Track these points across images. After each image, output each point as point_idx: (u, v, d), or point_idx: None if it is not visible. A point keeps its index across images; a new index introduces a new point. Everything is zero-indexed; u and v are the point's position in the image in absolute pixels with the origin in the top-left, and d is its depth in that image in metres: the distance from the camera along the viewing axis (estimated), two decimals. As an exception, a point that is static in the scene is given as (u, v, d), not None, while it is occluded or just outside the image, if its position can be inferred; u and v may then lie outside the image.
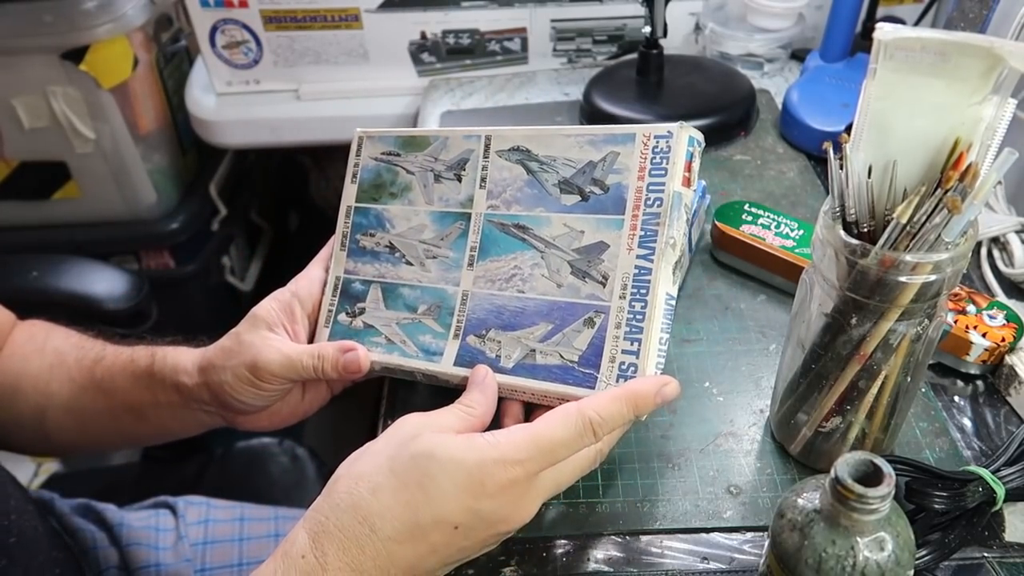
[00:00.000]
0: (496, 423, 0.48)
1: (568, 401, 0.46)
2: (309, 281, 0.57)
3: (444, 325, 0.53)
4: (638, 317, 0.47)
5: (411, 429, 0.43)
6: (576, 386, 0.48)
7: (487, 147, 0.55)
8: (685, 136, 0.48)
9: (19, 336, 0.62)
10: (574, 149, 0.52)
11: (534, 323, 0.50)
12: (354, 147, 0.60)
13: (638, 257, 0.48)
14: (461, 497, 0.40)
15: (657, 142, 0.49)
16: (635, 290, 0.47)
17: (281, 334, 0.53)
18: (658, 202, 0.48)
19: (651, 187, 0.48)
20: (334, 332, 0.56)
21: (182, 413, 0.57)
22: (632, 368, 0.46)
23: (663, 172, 0.48)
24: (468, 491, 0.40)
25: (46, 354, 0.60)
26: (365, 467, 0.42)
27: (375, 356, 0.54)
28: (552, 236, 0.51)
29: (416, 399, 0.59)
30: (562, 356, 0.49)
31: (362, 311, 0.56)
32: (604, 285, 0.49)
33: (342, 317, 0.56)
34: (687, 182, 0.48)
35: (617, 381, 0.47)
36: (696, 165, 0.49)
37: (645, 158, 0.49)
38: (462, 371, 0.51)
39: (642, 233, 0.48)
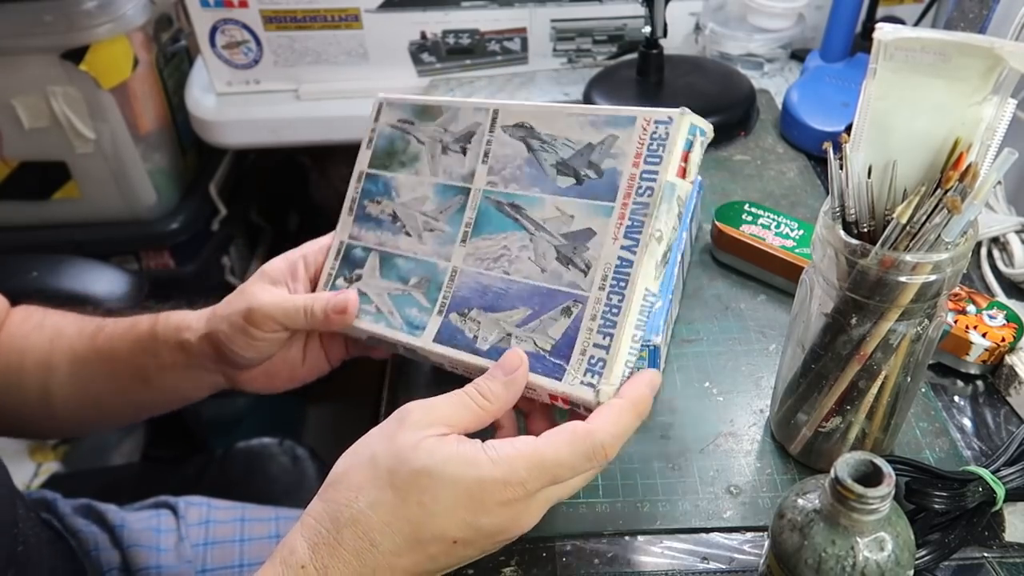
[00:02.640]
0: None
1: (534, 389, 0.46)
2: (320, 246, 0.59)
3: (431, 300, 0.53)
4: (614, 311, 0.45)
5: (411, 435, 0.41)
6: (544, 376, 0.46)
7: (494, 121, 0.54)
8: (686, 124, 0.46)
9: (15, 318, 0.62)
10: (575, 129, 0.50)
11: (514, 306, 0.49)
12: (373, 112, 0.60)
13: (622, 248, 0.46)
14: (460, 514, 0.40)
15: (656, 128, 0.46)
16: (615, 282, 0.46)
17: (282, 289, 0.55)
18: (648, 191, 0.46)
19: (644, 175, 0.46)
20: None
21: (186, 373, 0.58)
22: (600, 363, 0.45)
23: (658, 160, 0.46)
24: (467, 509, 0.40)
25: (45, 329, 0.61)
26: (364, 479, 0.41)
27: (364, 325, 0.54)
28: (543, 219, 0.50)
29: (418, 398, 0.58)
30: (536, 343, 0.47)
31: (359, 278, 0.56)
32: (586, 274, 0.47)
33: (340, 282, 0.57)
34: (683, 173, 0.46)
35: (584, 375, 0.45)
36: (696, 156, 0.46)
37: (642, 144, 0.47)
38: (439, 348, 0.51)
39: (629, 223, 0.46)
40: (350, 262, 0.57)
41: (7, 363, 0.60)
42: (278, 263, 0.56)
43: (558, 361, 0.46)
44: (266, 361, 0.56)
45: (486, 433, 0.43)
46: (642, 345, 0.46)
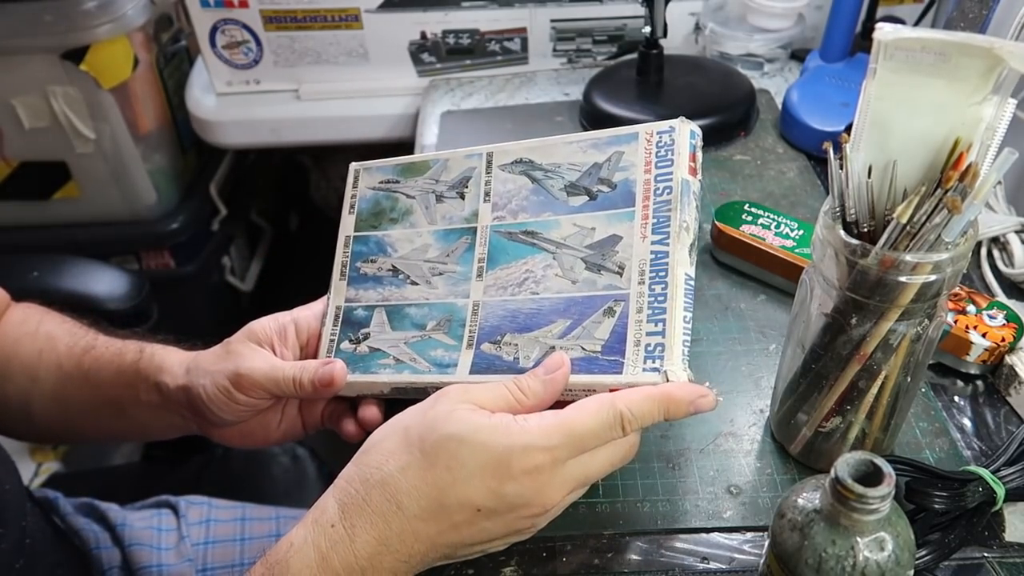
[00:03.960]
0: None
1: (595, 391, 0.45)
2: (312, 312, 0.57)
3: (456, 337, 0.52)
4: (659, 299, 0.46)
5: (445, 406, 0.43)
6: (602, 374, 0.46)
7: (489, 163, 0.55)
8: (687, 130, 0.49)
9: (13, 317, 0.62)
10: (578, 154, 0.52)
11: (551, 321, 0.49)
12: (350, 179, 0.60)
13: (653, 243, 0.48)
14: (486, 480, 0.41)
15: (660, 137, 0.50)
16: (653, 274, 0.47)
17: (267, 351, 0.54)
18: (667, 190, 0.48)
19: (659, 177, 0.49)
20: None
21: (160, 414, 0.57)
22: (659, 348, 0.45)
23: (669, 163, 0.49)
24: (493, 475, 0.41)
25: (38, 338, 0.61)
26: (396, 445, 0.42)
27: (384, 377, 0.52)
28: (562, 237, 0.51)
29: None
30: (584, 348, 0.48)
31: (366, 336, 0.55)
32: (621, 275, 0.48)
33: (345, 345, 0.55)
34: (693, 172, 0.49)
35: (644, 362, 0.45)
36: (699, 156, 0.50)
37: (650, 152, 0.50)
38: (479, 378, 0.49)
39: (655, 220, 0.48)
40: (352, 324, 0.56)
41: None
42: (266, 323, 0.55)
43: (612, 358, 0.47)
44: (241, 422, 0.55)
45: None
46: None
